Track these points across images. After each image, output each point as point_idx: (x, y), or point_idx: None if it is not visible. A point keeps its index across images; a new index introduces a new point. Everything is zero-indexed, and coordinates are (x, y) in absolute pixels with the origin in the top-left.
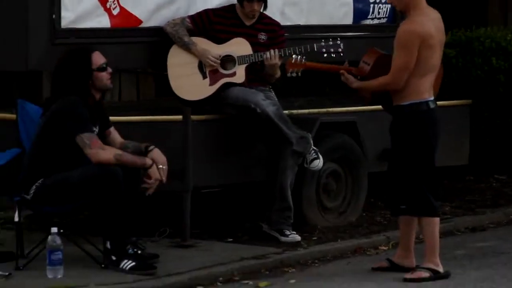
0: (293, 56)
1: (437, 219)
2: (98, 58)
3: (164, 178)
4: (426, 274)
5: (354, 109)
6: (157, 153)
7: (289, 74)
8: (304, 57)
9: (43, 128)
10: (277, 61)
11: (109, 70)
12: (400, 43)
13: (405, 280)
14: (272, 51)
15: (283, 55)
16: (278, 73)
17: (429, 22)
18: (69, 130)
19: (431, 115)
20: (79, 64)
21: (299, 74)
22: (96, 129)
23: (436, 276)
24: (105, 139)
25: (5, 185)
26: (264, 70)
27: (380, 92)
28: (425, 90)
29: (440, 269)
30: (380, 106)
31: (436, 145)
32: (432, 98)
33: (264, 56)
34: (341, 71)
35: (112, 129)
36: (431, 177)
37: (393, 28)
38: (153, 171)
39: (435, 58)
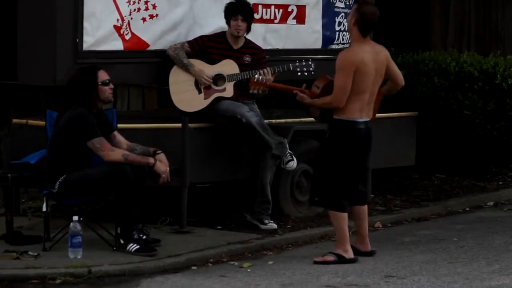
0: (255, 76)
1: (343, 214)
2: (103, 75)
3: (169, 178)
4: (331, 258)
5: None
6: (162, 157)
7: (251, 91)
8: (265, 78)
9: (58, 134)
10: (270, 77)
11: (111, 85)
12: (339, 67)
13: (315, 262)
14: (268, 68)
15: (274, 72)
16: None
17: (364, 53)
18: (81, 136)
19: (354, 132)
20: (87, 78)
21: (261, 91)
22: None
23: (341, 260)
24: (111, 142)
25: (35, 180)
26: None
27: (325, 111)
28: (354, 111)
29: (347, 255)
30: None
31: (356, 157)
32: (361, 120)
33: (258, 73)
34: (295, 91)
35: (116, 132)
36: (342, 179)
37: None
38: (158, 168)
39: (366, 83)
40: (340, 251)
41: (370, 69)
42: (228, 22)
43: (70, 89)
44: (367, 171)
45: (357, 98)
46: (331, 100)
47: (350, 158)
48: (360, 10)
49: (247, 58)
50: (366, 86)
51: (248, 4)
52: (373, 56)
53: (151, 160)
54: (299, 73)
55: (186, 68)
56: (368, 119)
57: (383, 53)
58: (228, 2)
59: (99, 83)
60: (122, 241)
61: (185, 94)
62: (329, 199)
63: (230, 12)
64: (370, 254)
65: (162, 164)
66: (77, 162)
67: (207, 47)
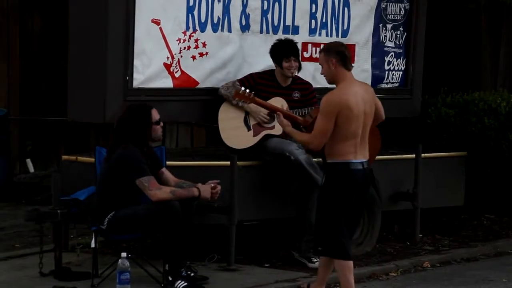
0: (242, 88)
1: (347, 263)
2: (155, 114)
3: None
4: None
5: None
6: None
7: (234, 102)
8: (252, 92)
9: (108, 171)
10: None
11: (162, 124)
12: (321, 110)
13: None
14: (317, 106)
15: None
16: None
17: (350, 96)
18: (130, 174)
19: (349, 173)
20: (142, 117)
21: (246, 104)
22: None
23: None
24: (160, 178)
25: (84, 216)
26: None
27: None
28: (347, 153)
29: None
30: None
31: (352, 198)
32: (356, 160)
33: (306, 111)
34: (278, 112)
35: (164, 169)
36: (343, 225)
37: (404, 91)
38: (204, 195)
39: (354, 127)
40: None
41: (357, 112)
42: (279, 63)
43: (122, 126)
44: (359, 218)
45: (347, 141)
46: (309, 141)
47: (348, 202)
48: (333, 50)
49: (296, 94)
50: (355, 129)
51: (295, 42)
52: (362, 97)
53: (195, 190)
54: None
55: (242, 106)
56: (365, 160)
57: (370, 90)
58: (274, 42)
59: (153, 122)
60: (170, 278)
61: (234, 131)
62: (333, 247)
63: (281, 54)
64: None
65: (205, 187)
66: (126, 199)
67: (257, 85)
